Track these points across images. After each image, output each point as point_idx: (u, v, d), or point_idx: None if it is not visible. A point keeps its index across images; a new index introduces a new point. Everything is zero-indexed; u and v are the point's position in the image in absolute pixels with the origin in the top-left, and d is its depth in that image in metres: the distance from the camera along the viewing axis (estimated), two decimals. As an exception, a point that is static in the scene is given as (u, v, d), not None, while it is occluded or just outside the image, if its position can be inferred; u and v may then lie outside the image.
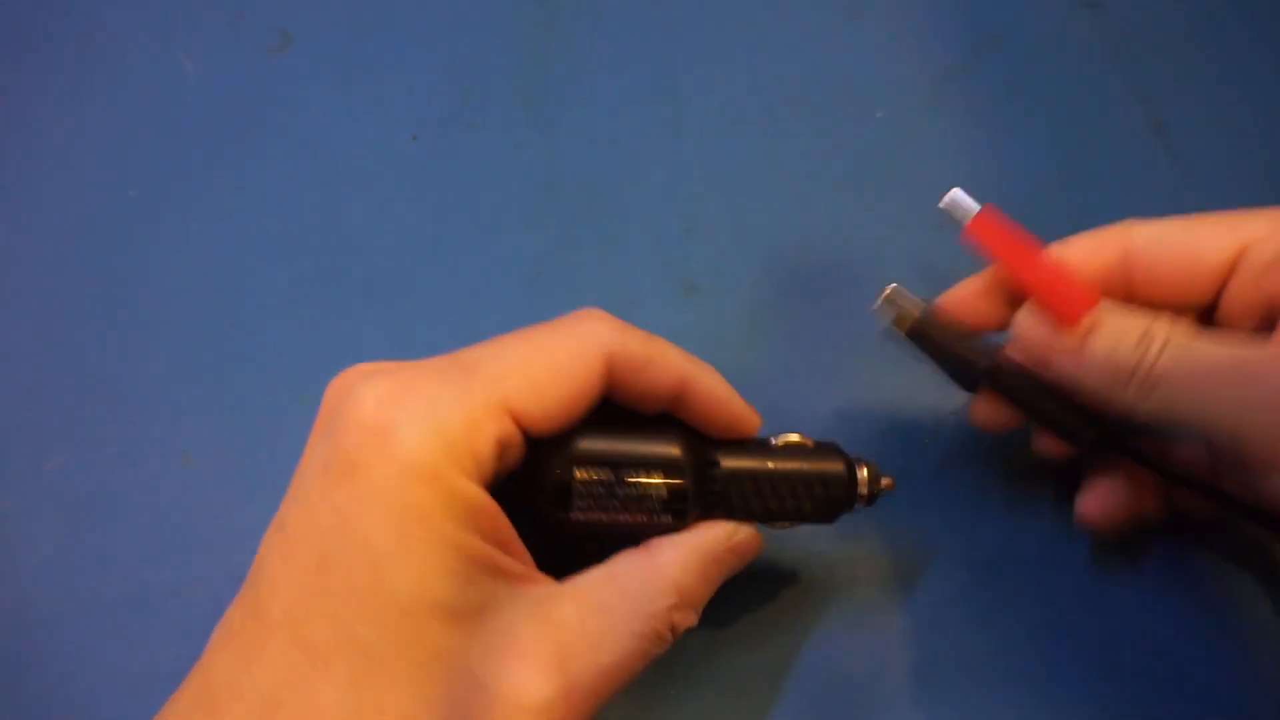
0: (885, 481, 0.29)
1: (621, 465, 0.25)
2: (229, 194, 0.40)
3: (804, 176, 0.40)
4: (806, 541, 0.33)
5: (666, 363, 0.26)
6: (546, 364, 0.24)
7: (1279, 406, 0.22)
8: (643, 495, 0.25)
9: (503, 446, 0.23)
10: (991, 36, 0.43)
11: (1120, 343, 0.25)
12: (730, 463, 0.27)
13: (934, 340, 0.29)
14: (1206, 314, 0.28)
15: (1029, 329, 0.27)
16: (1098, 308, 0.26)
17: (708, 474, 0.27)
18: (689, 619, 0.25)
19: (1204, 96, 0.40)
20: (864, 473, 0.28)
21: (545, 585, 0.24)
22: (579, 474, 0.25)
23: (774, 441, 0.28)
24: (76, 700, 0.32)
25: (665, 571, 0.24)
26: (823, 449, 0.28)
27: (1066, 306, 0.26)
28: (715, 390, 0.27)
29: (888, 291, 0.29)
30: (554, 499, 0.25)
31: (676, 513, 0.26)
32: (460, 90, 0.42)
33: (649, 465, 0.26)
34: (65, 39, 0.44)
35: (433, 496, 0.22)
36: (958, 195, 0.28)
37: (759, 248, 0.38)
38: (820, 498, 0.28)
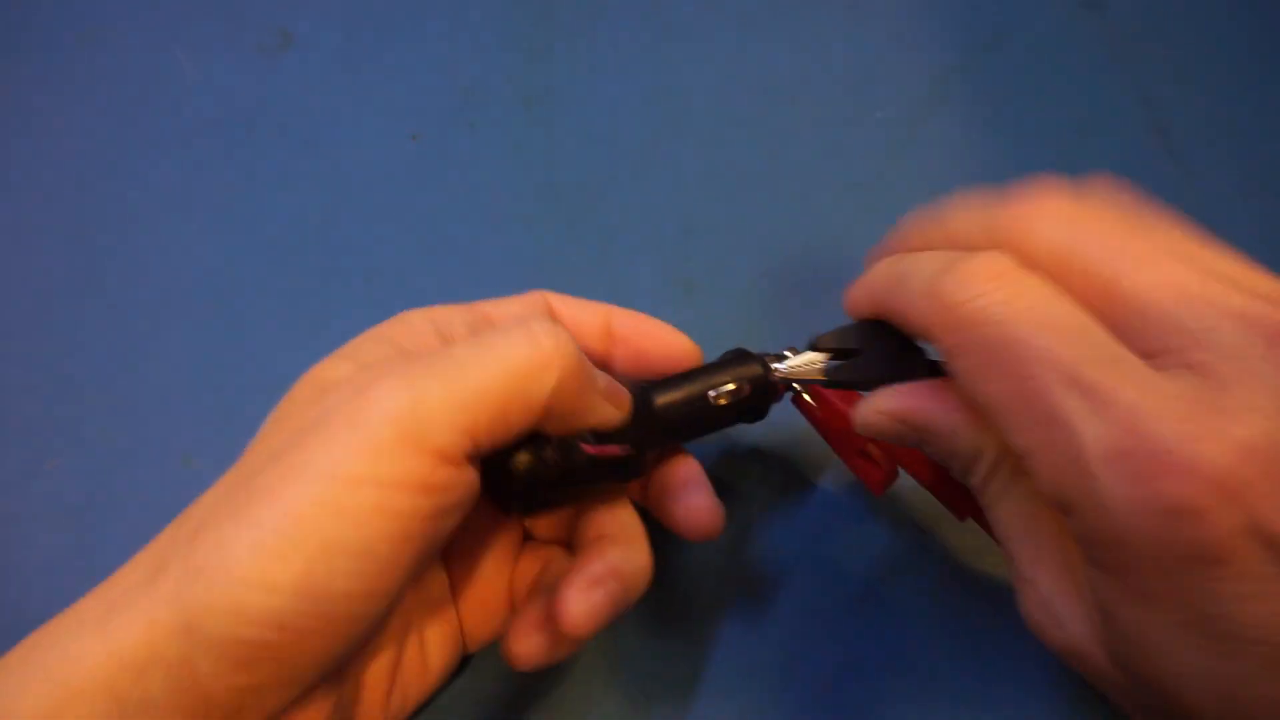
0: (786, 352, 0.29)
1: (564, 440, 0.26)
2: (229, 194, 0.40)
3: (804, 176, 0.40)
4: (801, 540, 0.33)
5: (588, 302, 0.30)
6: (513, 305, 0.29)
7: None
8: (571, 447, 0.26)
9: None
10: (991, 36, 0.43)
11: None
12: (660, 394, 0.28)
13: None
14: None
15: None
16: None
17: (642, 408, 0.27)
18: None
19: (1205, 97, 0.40)
20: (778, 365, 0.29)
21: None
22: (520, 456, 0.25)
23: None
24: (76, 700, 0.32)
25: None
26: (729, 357, 0.29)
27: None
28: (640, 321, 0.30)
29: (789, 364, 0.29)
30: (518, 489, 0.26)
31: (620, 459, 0.27)
32: (460, 90, 0.42)
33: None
34: (65, 39, 0.44)
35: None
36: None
37: (759, 248, 0.38)
38: (731, 357, 0.29)
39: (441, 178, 0.40)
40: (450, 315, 0.27)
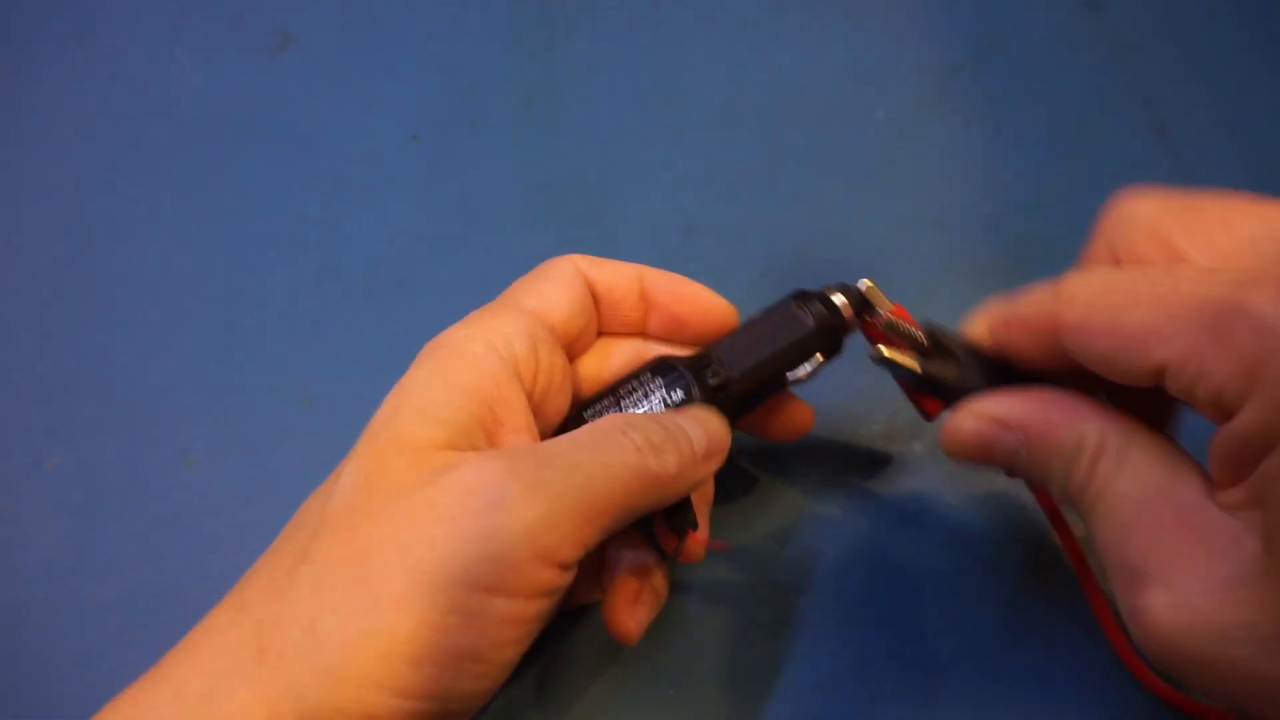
0: (865, 284, 0.28)
1: (617, 387, 0.28)
2: (229, 194, 0.40)
3: (804, 176, 0.40)
4: (802, 540, 0.33)
5: (619, 263, 0.29)
6: (541, 278, 0.28)
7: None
8: (645, 394, 0.27)
9: (533, 333, 0.26)
10: (991, 36, 0.43)
11: (1048, 478, 0.24)
12: (712, 343, 0.28)
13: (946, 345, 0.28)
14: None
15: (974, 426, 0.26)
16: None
17: (697, 361, 0.28)
18: (665, 452, 0.25)
19: (1204, 97, 0.40)
20: (839, 298, 0.28)
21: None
22: (586, 413, 0.28)
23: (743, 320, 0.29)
24: (76, 700, 0.32)
25: (627, 413, 0.27)
26: (788, 296, 0.29)
27: None
28: (671, 277, 0.29)
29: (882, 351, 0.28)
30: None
31: (685, 395, 0.27)
32: (460, 90, 0.42)
33: (638, 374, 0.28)
34: (64, 39, 0.44)
35: (442, 354, 0.25)
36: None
37: (759, 248, 0.38)
38: (808, 320, 0.28)
39: (441, 178, 0.40)
40: (502, 330, 0.26)
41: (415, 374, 0.25)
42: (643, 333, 0.30)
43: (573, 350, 0.29)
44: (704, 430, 0.26)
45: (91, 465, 0.35)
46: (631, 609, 0.27)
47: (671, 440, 0.25)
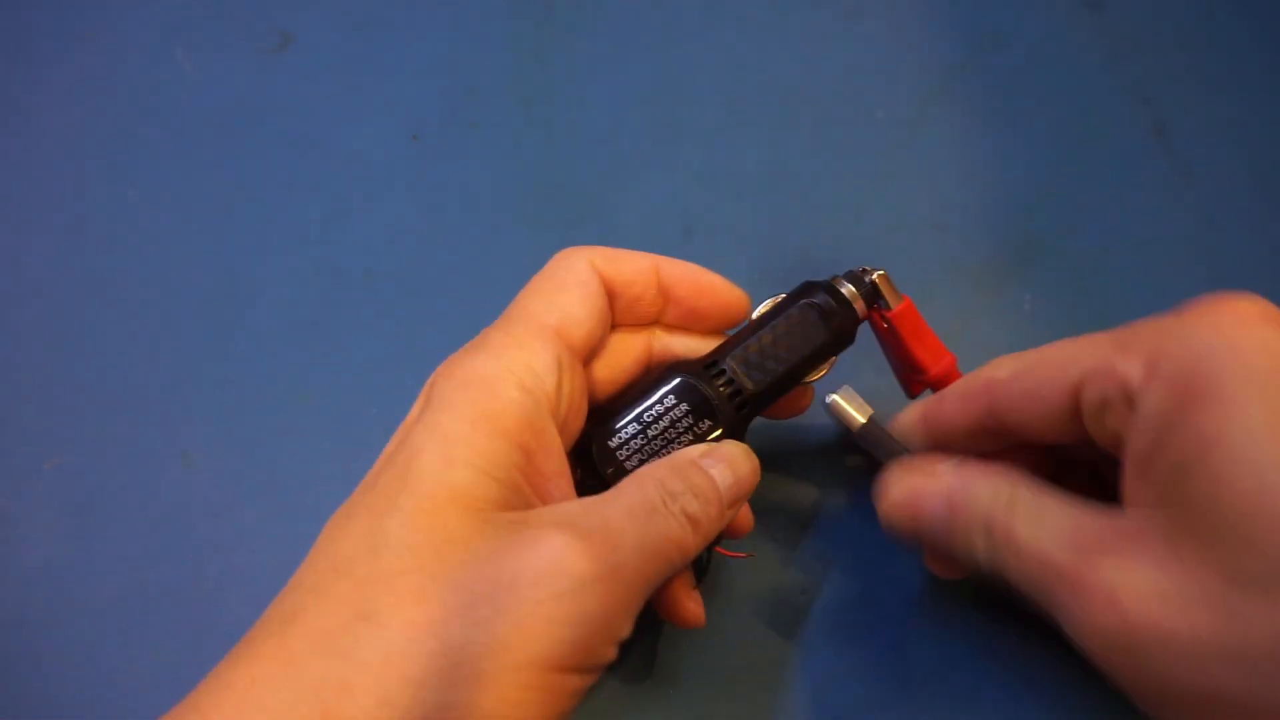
0: (878, 274, 0.29)
1: (641, 412, 0.28)
2: (229, 194, 0.40)
3: (804, 176, 0.40)
4: (804, 540, 0.33)
5: (636, 253, 0.29)
6: (559, 288, 0.27)
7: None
8: (672, 424, 0.28)
9: (559, 361, 0.26)
10: (991, 36, 0.43)
11: (969, 537, 0.25)
12: (727, 354, 0.28)
13: (872, 440, 0.30)
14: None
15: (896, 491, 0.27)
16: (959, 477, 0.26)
17: (714, 376, 0.28)
18: (707, 512, 0.26)
19: (1204, 97, 0.40)
20: (847, 288, 0.29)
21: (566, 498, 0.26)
22: (613, 443, 0.28)
23: (753, 316, 0.29)
24: (76, 700, 0.32)
25: (675, 461, 0.26)
26: (797, 290, 0.29)
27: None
28: (688, 268, 0.29)
29: (835, 399, 0.30)
30: (603, 464, 0.28)
31: (707, 415, 0.28)
32: (460, 90, 0.42)
33: (662, 397, 0.28)
34: (65, 39, 0.44)
35: (478, 398, 0.24)
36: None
37: (759, 248, 0.38)
38: (821, 325, 0.28)
39: (441, 178, 0.40)
40: (533, 366, 0.25)
41: (452, 419, 0.24)
42: (655, 323, 0.30)
43: (589, 357, 0.29)
44: (734, 479, 0.26)
45: (91, 465, 0.35)
46: (691, 595, 0.28)
47: (704, 509, 0.25)
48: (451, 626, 0.21)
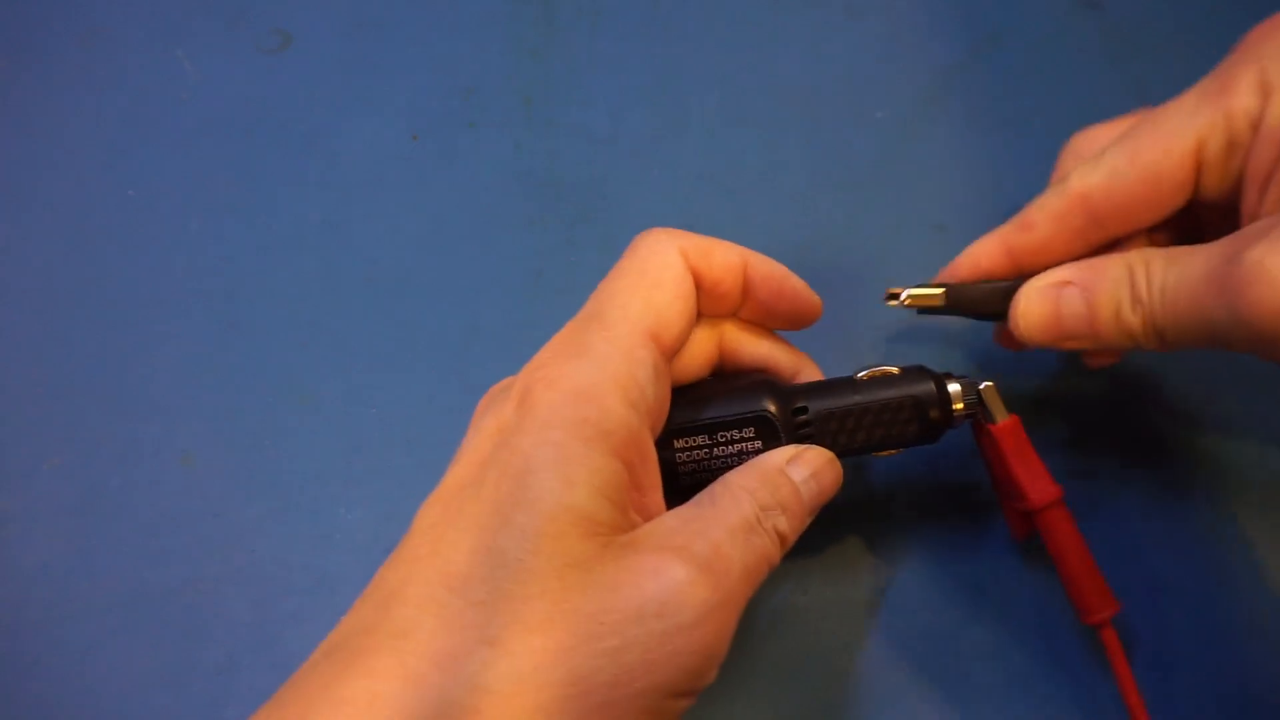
0: (985, 386, 0.29)
1: (715, 429, 0.27)
2: (229, 194, 0.40)
3: (804, 176, 0.40)
4: (801, 542, 0.33)
5: (726, 246, 0.28)
6: (655, 285, 0.26)
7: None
8: (739, 452, 0.27)
9: (657, 369, 0.25)
10: (991, 36, 0.43)
11: (1118, 309, 0.26)
12: (818, 405, 0.28)
13: (966, 301, 0.30)
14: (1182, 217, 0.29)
15: (1032, 324, 0.28)
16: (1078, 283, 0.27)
17: (797, 420, 0.28)
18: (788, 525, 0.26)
19: (1204, 97, 0.40)
20: (955, 387, 0.29)
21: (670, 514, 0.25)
22: (678, 444, 0.27)
23: (860, 376, 0.29)
24: (76, 700, 0.32)
25: (764, 469, 0.26)
26: (909, 373, 0.29)
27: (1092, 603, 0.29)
28: (774, 269, 0.28)
29: (907, 297, 0.30)
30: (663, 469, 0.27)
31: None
32: (460, 90, 0.42)
33: (740, 425, 0.27)
34: (65, 39, 0.44)
35: (589, 414, 0.23)
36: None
37: (759, 248, 0.38)
38: (914, 420, 0.28)
39: (441, 178, 0.40)
40: (636, 376, 0.24)
41: (566, 436, 0.23)
42: (729, 315, 0.29)
43: (673, 358, 0.28)
44: (818, 488, 0.26)
45: (91, 465, 0.35)
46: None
47: (791, 524, 0.25)
48: (578, 656, 0.21)
